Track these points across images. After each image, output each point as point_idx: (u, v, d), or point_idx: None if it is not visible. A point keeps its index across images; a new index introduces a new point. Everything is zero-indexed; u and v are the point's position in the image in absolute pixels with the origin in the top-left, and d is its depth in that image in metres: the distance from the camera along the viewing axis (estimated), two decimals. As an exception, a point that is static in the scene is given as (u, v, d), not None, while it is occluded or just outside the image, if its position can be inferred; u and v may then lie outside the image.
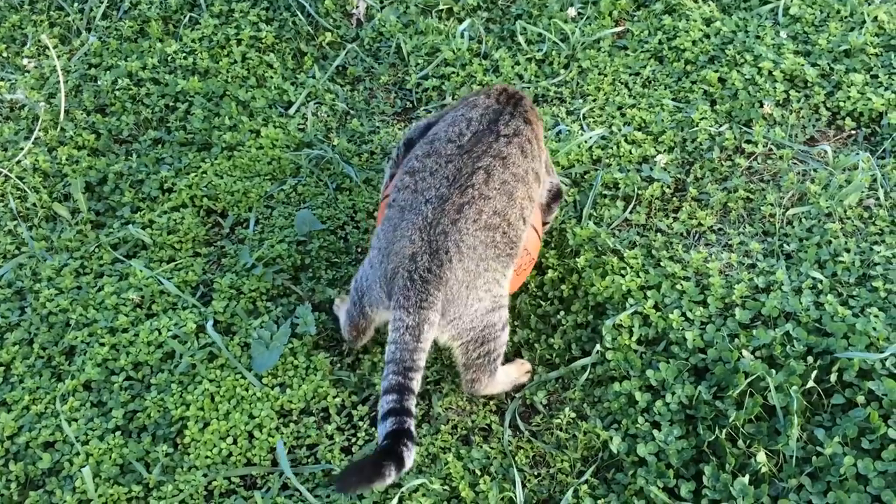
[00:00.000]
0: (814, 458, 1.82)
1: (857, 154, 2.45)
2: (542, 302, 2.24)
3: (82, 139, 2.68)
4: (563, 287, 2.22)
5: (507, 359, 2.04)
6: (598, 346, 2.07)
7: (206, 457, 1.89)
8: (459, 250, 1.75)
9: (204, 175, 2.54)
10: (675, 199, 2.47)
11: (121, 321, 2.14)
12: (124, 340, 2.11)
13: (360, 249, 2.37)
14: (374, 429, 2.00)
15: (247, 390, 2.00)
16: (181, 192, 2.48)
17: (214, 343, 2.09)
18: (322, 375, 2.05)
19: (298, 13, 3.08)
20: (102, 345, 2.10)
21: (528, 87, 2.82)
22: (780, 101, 2.67)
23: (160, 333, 2.12)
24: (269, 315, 2.19)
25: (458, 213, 1.78)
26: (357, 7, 3.13)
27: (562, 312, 2.19)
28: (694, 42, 2.86)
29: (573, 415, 1.98)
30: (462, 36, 2.97)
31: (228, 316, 2.18)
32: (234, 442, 1.93)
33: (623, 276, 2.20)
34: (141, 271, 2.26)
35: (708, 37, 2.88)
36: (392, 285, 1.76)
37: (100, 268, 2.33)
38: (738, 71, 2.73)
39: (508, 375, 2.03)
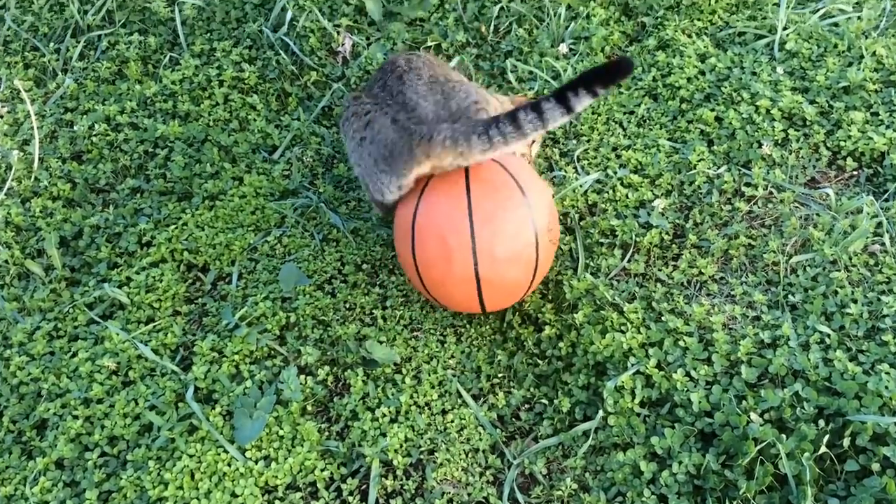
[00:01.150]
0: (829, 531, 1.73)
1: (861, 197, 2.37)
2: (539, 360, 2.14)
3: (57, 189, 2.57)
4: (562, 345, 2.13)
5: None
6: (600, 411, 1.97)
7: (187, 540, 1.79)
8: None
9: (184, 227, 2.44)
10: (674, 245, 2.38)
11: (95, 391, 2.03)
12: (99, 412, 2.00)
13: (348, 305, 2.27)
14: (364, 504, 1.89)
15: (229, 465, 1.89)
16: (160, 247, 2.38)
17: (194, 414, 1.98)
18: (309, 446, 1.94)
19: (282, 52, 2.98)
20: (76, 418, 1.99)
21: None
22: (779, 141, 2.59)
23: (137, 404, 2.01)
24: (253, 380, 2.08)
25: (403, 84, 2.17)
26: (343, 44, 3.04)
27: (561, 372, 2.10)
28: (689, 79, 2.78)
29: (575, 486, 1.88)
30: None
31: (210, 382, 2.07)
32: (217, 522, 1.82)
33: (623, 332, 2.11)
34: (117, 334, 2.15)
35: (703, 73, 2.80)
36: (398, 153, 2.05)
37: (74, 330, 2.22)
38: (734, 109, 2.65)
39: None
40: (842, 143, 2.57)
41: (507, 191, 2.00)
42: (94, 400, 2.03)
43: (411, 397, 2.06)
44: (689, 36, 2.96)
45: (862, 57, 2.80)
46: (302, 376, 2.10)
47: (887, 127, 2.58)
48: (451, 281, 2.01)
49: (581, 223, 2.42)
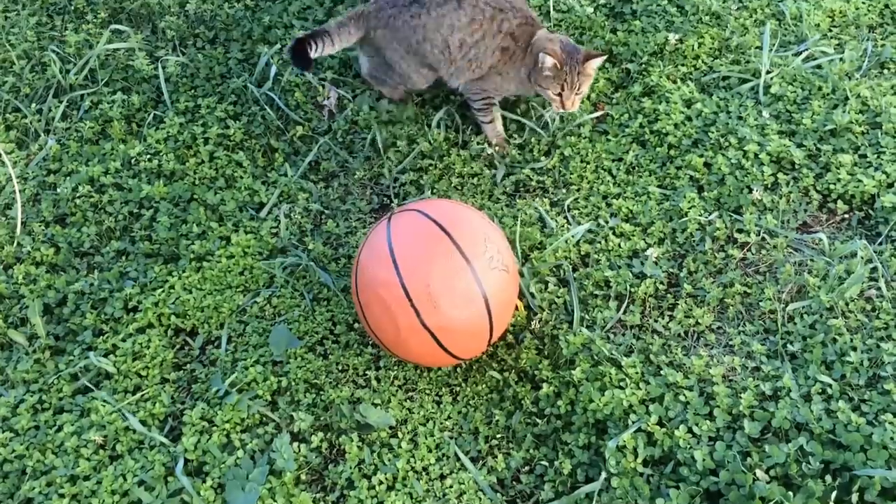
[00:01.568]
0: None
1: (854, 241, 2.36)
2: (538, 420, 2.10)
3: (41, 254, 2.52)
4: (560, 402, 2.09)
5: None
6: (602, 473, 1.92)
7: None
8: None
9: (171, 290, 2.39)
10: (669, 295, 2.36)
11: (82, 467, 1.97)
12: (86, 490, 1.93)
13: (340, 367, 2.23)
14: (363, 578, 1.83)
15: (222, 543, 1.83)
16: (147, 312, 2.33)
17: (185, 489, 1.91)
18: (305, 519, 1.88)
19: (267, 107, 2.96)
20: (62, 496, 1.92)
21: (511, 175, 2.72)
22: (769, 186, 2.59)
23: (125, 479, 1.94)
24: (245, 449, 2.02)
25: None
26: (329, 98, 3.03)
27: (561, 432, 2.06)
28: (676, 125, 2.78)
29: (580, 552, 1.83)
30: (438, 125, 2.87)
31: (200, 453, 2.01)
32: None
33: (623, 388, 2.07)
34: (104, 405, 2.09)
35: (690, 119, 2.81)
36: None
37: (59, 402, 2.16)
38: (723, 155, 2.65)
39: None
40: (831, 186, 2.57)
41: (426, 233, 2.04)
42: (80, 477, 1.97)
43: (408, 462, 2.01)
44: (674, 81, 2.97)
45: (846, 99, 2.81)
46: (295, 444, 2.04)
47: (876, 169, 2.59)
48: (405, 339, 2.01)
49: (575, 275, 2.40)
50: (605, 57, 2.59)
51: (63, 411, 2.14)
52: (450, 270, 1.99)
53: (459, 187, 2.70)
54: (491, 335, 2.09)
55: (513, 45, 2.67)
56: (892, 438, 1.88)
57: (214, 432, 2.05)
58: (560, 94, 2.61)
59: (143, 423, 2.08)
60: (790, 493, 1.82)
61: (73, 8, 3.49)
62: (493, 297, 2.03)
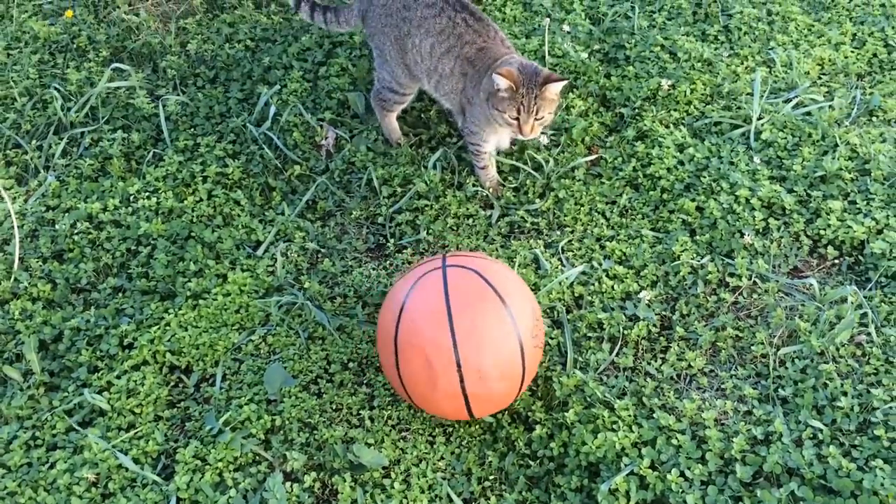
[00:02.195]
0: None
1: (844, 287, 2.39)
2: (531, 462, 2.10)
3: (37, 290, 2.53)
4: (553, 444, 2.09)
5: None
6: (594, 516, 1.93)
7: None
8: None
9: (167, 328, 2.40)
10: (662, 338, 2.38)
11: (74, 505, 1.97)
12: (78, 529, 1.93)
13: (334, 406, 2.23)
14: None
15: (213, 584, 1.82)
16: (142, 349, 2.33)
17: (177, 528, 1.91)
18: (296, 561, 1.88)
19: (266, 147, 3.00)
20: (53, 535, 1.92)
21: (506, 217, 2.75)
22: (760, 230, 2.63)
23: (117, 518, 1.94)
24: (237, 488, 2.02)
25: None
26: (326, 138, 3.07)
27: (553, 474, 2.06)
28: (668, 169, 2.83)
29: None
30: (434, 167, 2.91)
31: (192, 492, 2.01)
32: None
33: (615, 430, 2.08)
34: (97, 443, 2.09)
35: (682, 163, 2.85)
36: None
37: (52, 439, 2.16)
38: (715, 199, 2.69)
39: None
40: (822, 232, 2.61)
41: (486, 302, 1.99)
42: (71, 515, 1.96)
43: (401, 503, 2.01)
44: (667, 126, 3.02)
45: (836, 146, 2.86)
46: (288, 483, 2.04)
47: (865, 215, 2.63)
48: (437, 397, 2.00)
49: (568, 317, 2.42)
50: (565, 81, 2.47)
51: (56, 448, 2.14)
52: (504, 347, 1.98)
53: (455, 228, 2.73)
54: (513, 402, 2.14)
55: (471, 70, 2.67)
56: (882, 485, 1.89)
57: (207, 471, 2.05)
58: (517, 119, 2.51)
59: (135, 460, 2.08)
60: (782, 539, 1.82)
61: (75, 47, 3.54)
62: (529, 373, 2.07)
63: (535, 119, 2.50)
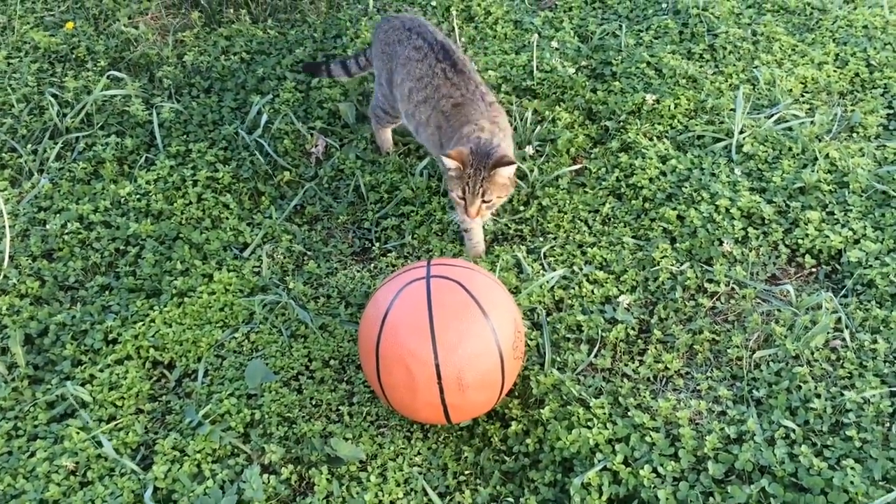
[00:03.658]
0: None
1: (820, 293, 2.43)
2: (506, 457, 2.12)
3: (26, 287, 2.57)
4: (529, 441, 2.12)
5: None
6: (566, 509, 1.95)
7: None
8: None
9: (152, 324, 2.43)
10: (640, 341, 2.41)
11: (52, 492, 1.98)
12: (54, 514, 1.94)
13: (314, 402, 2.26)
14: None
15: (187, 570, 1.84)
16: (126, 344, 2.37)
17: (153, 515, 1.93)
18: (270, 549, 1.89)
19: (257, 153, 3.06)
20: (30, 520, 1.94)
21: (490, 224, 2.79)
22: (739, 239, 2.67)
23: (94, 505, 1.96)
24: (215, 479, 2.04)
25: None
26: (316, 145, 3.13)
27: (528, 469, 2.08)
28: (651, 179, 2.88)
29: (542, 588, 1.84)
30: (421, 174, 2.96)
31: (170, 482, 2.03)
32: None
33: (590, 427, 2.10)
34: (78, 433, 2.11)
35: (664, 174, 2.90)
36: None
37: (34, 429, 2.18)
38: (695, 209, 2.74)
39: None
40: (800, 241, 2.64)
41: (469, 315, 2.00)
42: (49, 501, 1.98)
43: (376, 496, 2.03)
44: (651, 139, 3.08)
45: (816, 159, 2.91)
46: (265, 475, 2.06)
47: (843, 226, 2.67)
48: (417, 405, 2.03)
49: (548, 319, 2.45)
50: (515, 166, 2.36)
51: (37, 438, 2.16)
52: (485, 361, 2.00)
53: (440, 233, 2.78)
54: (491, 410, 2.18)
55: (445, 124, 2.57)
56: (852, 482, 1.91)
57: (185, 462, 2.07)
58: (463, 199, 2.39)
59: (115, 450, 2.10)
60: (751, 534, 1.84)
61: (73, 57, 3.62)
62: (507, 384, 2.10)
63: (483, 201, 2.37)
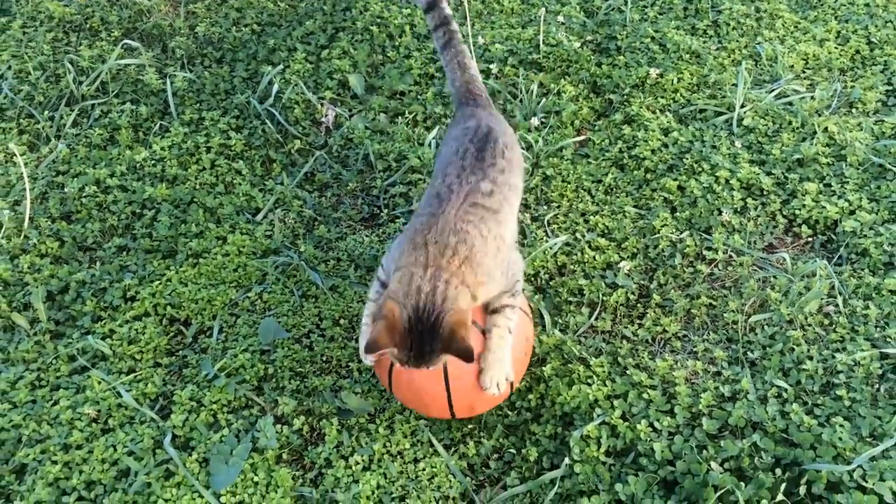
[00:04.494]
0: (787, 575, 1.79)
1: (815, 261, 2.51)
2: (509, 412, 2.21)
3: (46, 247, 2.66)
4: (531, 396, 2.20)
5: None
6: (566, 459, 2.04)
7: (160, 584, 1.81)
8: None
9: (168, 283, 2.52)
10: (639, 305, 2.49)
11: (75, 437, 2.08)
12: (78, 458, 2.04)
13: (325, 358, 2.35)
14: (336, 549, 1.93)
15: (204, 510, 1.93)
16: (144, 301, 2.45)
17: (171, 460, 2.02)
18: (283, 492, 1.99)
19: (268, 122, 3.13)
20: (55, 463, 2.03)
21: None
22: (738, 209, 2.74)
23: (115, 450, 2.05)
24: (230, 428, 2.13)
25: None
26: (326, 115, 3.20)
27: (530, 423, 2.17)
28: (653, 151, 2.95)
29: (542, 532, 1.94)
30: (430, 145, 3.03)
31: (188, 430, 2.12)
32: (190, 567, 1.85)
33: (590, 384, 2.19)
34: (99, 382, 2.20)
35: (666, 146, 2.97)
36: None
37: (56, 380, 2.27)
38: (696, 179, 2.81)
39: None
40: (797, 212, 2.72)
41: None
42: (73, 446, 2.08)
43: (384, 446, 2.12)
44: (654, 112, 3.15)
45: (815, 133, 2.98)
46: (278, 425, 2.15)
47: (839, 197, 2.75)
48: (426, 412, 2.10)
49: (550, 283, 2.53)
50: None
51: (59, 388, 2.25)
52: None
53: (446, 201, 2.85)
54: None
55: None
56: (840, 438, 2.00)
57: (202, 412, 2.16)
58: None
59: (135, 400, 2.19)
60: (742, 484, 1.92)
61: (88, 27, 3.68)
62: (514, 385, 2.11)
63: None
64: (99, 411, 2.16)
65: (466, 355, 1.74)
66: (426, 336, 1.76)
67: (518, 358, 2.03)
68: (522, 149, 2.99)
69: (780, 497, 1.89)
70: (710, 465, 1.98)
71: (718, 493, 1.90)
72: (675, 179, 2.83)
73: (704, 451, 2.02)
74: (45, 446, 2.07)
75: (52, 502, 1.97)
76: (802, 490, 1.92)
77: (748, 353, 2.31)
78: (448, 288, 1.79)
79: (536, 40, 3.46)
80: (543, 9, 3.61)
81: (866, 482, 1.90)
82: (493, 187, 2.00)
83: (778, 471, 1.96)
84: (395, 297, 1.79)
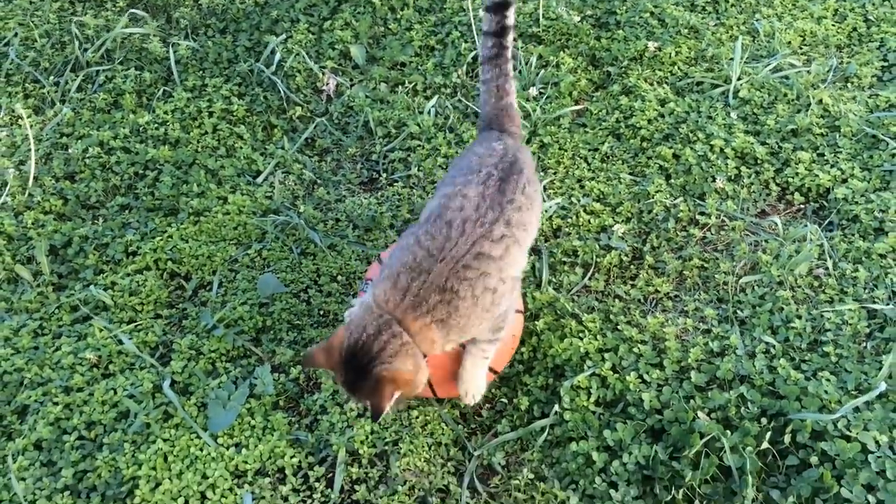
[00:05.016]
0: (769, 517, 1.83)
1: (806, 226, 2.54)
2: (501, 365, 2.25)
3: (50, 204, 2.70)
4: (523, 349, 2.24)
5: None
6: (556, 407, 2.08)
7: (157, 518, 1.85)
8: None
9: (169, 239, 2.57)
10: (632, 266, 2.53)
11: (76, 380, 2.12)
12: (78, 400, 2.08)
13: (321, 312, 2.39)
14: (329, 490, 1.97)
15: (201, 450, 1.98)
16: (145, 256, 2.50)
17: (171, 402, 2.07)
18: (279, 435, 2.03)
19: (270, 89, 3.17)
20: (56, 404, 2.08)
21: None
22: (732, 177, 2.78)
23: (116, 393, 2.10)
24: (228, 376, 2.18)
25: None
26: (327, 84, 3.24)
27: (522, 374, 2.21)
28: (649, 121, 2.98)
29: (531, 476, 1.98)
30: (429, 112, 3.07)
31: (186, 376, 2.17)
32: (186, 503, 1.89)
33: (581, 338, 2.23)
34: (101, 330, 2.25)
35: (662, 116, 3.01)
36: None
37: (59, 328, 2.32)
38: (691, 148, 2.85)
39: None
40: (790, 180, 2.75)
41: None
42: (74, 388, 2.12)
43: (379, 395, 2.16)
44: (651, 84, 3.18)
45: (809, 105, 3.02)
46: (275, 374, 2.20)
47: (832, 166, 2.78)
48: None
49: (546, 244, 2.57)
50: (394, 399, 1.71)
51: (62, 336, 2.29)
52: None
53: (444, 166, 2.89)
54: None
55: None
56: (826, 391, 2.04)
57: (201, 360, 2.21)
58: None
59: (136, 347, 2.24)
60: (728, 432, 1.97)
61: (94, -3, 3.72)
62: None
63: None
64: (100, 357, 2.21)
65: (373, 414, 1.66)
66: (356, 375, 1.69)
67: (502, 349, 2.04)
68: (522, 118, 3.03)
69: (765, 445, 1.93)
70: (696, 414, 2.02)
71: (704, 440, 1.94)
72: (671, 148, 2.87)
73: (692, 401, 2.07)
74: (47, 389, 2.12)
75: (52, 440, 2.01)
76: (787, 439, 1.96)
77: (738, 312, 2.35)
78: (391, 343, 1.68)
79: (536, 14, 3.49)
80: (544, -17, 3.65)
81: (850, 432, 1.94)
82: (505, 231, 1.80)
83: (763, 420, 2.00)
84: (349, 325, 1.73)
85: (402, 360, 1.68)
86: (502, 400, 2.18)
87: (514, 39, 3.38)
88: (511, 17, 2.16)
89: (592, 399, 2.10)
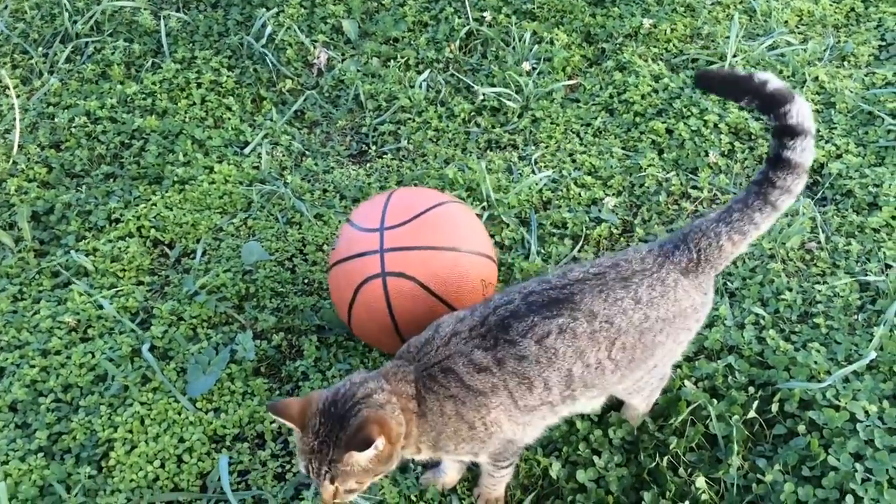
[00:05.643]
0: (755, 485, 1.79)
1: (799, 200, 2.51)
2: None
3: (34, 172, 2.67)
4: (509, 319, 2.21)
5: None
6: (540, 375, 2.04)
7: (132, 480, 1.82)
8: None
9: (153, 207, 2.53)
10: (622, 239, 2.49)
11: (53, 343, 2.09)
12: (55, 363, 2.05)
13: (306, 281, 2.36)
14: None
15: (179, 414, 1.94)
16: (129, 223, 2.47)
17: (149, 366, 2.04)
18: (259, 401, 2.00)
19: (260, 62, 3.14)
20: (32, 366, 2.05)
21: (483, 134, 2.87)
22: (725, 152, 2.74)
23: (93, 356, 2.07)
24: (209, 342, 2.15)
25: None
26: (318, 57, 3.20)
27: (506, 344, 2.18)
28: (643, 96, 2.95)
29: (514, 442, 1.94)
30: (421, 86, 3.04)
31: (167, 342, 2.14)
32: (162, 466, 1.86)
33: (568, 308, 2.19)
34: (81, 294, 2.22)
35: (656, 91, 2.97)
36: None
37: (38, 293, 2.29)
38: (684, 123, 2.81)
39: None
40: (784, 155, 2.71)
41: (430, 310, 1.94)
42: (51, 351, 2.09)
43: (362, 362, 2.13)
44: (646, 60, 3.15)
45: (805, 82, 2.98)
46: (257, 340, 2.16)
47: (827, 142, 2.75)
48: (385, 349, 2.09)
49: (535, 215, 2.54)
50: (374, 450, 1.46)
51: (41, 301, 2.26)
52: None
53: (434, 140, 2.86)
54: None
55: None
56: (815, 361, 2.01)
57: (182, 325, 2.17)
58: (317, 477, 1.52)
59: (116, 312, 2.20)
60: (714, 401, 1.93)
61: (85, -30, 3.69)
62: None
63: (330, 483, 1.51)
64: (79, 321, 2.17)
65: (359, 445, 1.44)
66: (334, 425, 1.46)
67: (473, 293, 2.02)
68: (514, 92, 3.00)
69: (752, 414, 1.89)
70: (683, 383, 1.99)
71: (691, 408, 1.90)
72: (664, 122, 2.83)
73: (679, 370, 2.03)
74: (24, 352, 2.09)
75: (28, 402, 1.98)
76: (775, 408, 1.92)
77: (728, 283, 2.31)
78: (379, 393, 1.51)
79: (531, -9, 3.46)
80: (539, -40, 3.61)
81: (839, 401, 1.91)
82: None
83: (751, 389, 1.97)
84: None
85: (390, 409, 1.51)
86: (487, 368, 2.14)
87: (508, 15, 3.36)
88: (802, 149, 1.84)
89: (578, 367, 2.06)
